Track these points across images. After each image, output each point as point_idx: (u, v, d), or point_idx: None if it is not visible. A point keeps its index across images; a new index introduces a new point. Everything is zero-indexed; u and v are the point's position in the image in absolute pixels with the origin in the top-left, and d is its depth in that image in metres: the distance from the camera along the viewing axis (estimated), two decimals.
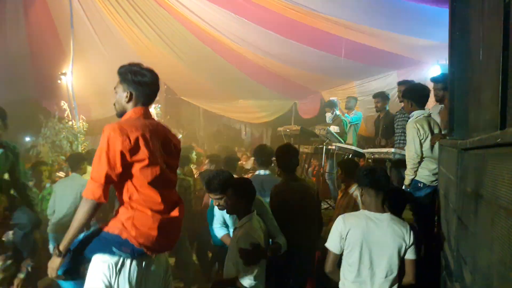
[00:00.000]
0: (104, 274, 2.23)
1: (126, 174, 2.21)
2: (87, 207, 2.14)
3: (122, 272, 2.26)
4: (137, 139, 2.17)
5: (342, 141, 6.04)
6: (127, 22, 8.05)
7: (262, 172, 4.02)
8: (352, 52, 6.85)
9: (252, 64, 8.45)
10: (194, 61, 9.17)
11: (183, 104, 11.67)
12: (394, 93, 6.86)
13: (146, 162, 2.20)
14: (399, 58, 7.00)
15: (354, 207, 4.13)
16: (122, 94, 2.38)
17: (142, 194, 2.24)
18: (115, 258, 2.25)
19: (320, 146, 5.92)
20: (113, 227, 2.25)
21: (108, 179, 2.14)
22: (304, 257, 3.41)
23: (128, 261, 2.27)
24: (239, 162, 6.46)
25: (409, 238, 2.62)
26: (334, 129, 6.10)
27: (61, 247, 2.18)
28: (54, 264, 2.19)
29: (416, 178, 3.98)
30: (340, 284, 2.73)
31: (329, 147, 5.73)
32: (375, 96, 6.22)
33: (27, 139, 10.08)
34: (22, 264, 3.91)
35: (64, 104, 7.53)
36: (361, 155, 5.31)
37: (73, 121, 7.67)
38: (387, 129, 5.86)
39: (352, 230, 2.65)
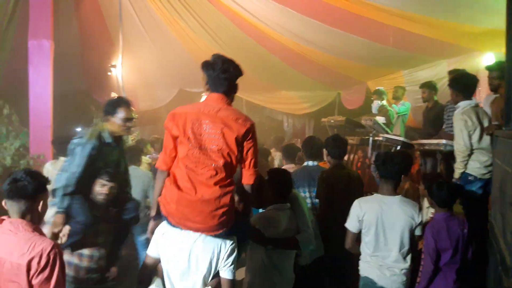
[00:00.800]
0: (155, 236, 2.62)
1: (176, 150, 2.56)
2: (158, 175, 2.66)
3: (164, 237, 2.56)
4: (177, 119, 2.50)
5: (390, 132, 5.93)
6: (172, 15, 8.20)
7: (310, 163, 4.16)
8: (400, 41, 6.67)
9: (296, 54, 8.40)
10: (237, 53, 9.18)
11: None
12: (444, 83, 6.66)
13: (180, 140, 2.49)
14: (449, 47, 6.74)
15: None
16: None
17: (177, 168, 2.52)
18: (163, 224, 2.60)
19: (366, 137, 5.85)
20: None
21: (165, 149, 2.57)
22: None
23: (168, 228, 2.55)
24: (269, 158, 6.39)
25: (417, 217, 3.06)
26: (380, 119, 6.01)
27: (152, 213, 2.73)
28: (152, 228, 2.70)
29: (467, 171, 3.86)
30: (362, 258, 3.16)
31: (376, 138, 5.65)
32: (422, 86, 6.08)
33: (79, 129, 10.51)
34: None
35: (114, 96, 7.78)
36: (410, 146, 5.19)
37: None
38: (436, 120, 5.70)
39: (367, 213, 3.07)
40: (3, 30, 8.35)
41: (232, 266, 2.57)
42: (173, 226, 2.51)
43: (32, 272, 2.08)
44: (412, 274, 3.14)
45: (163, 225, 2.60)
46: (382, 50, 7.07)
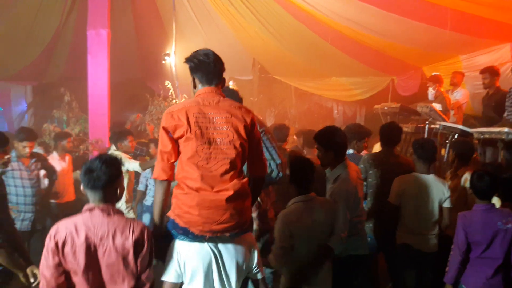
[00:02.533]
0: (171, 259, 2.37)
1: (178, 152, 2.36)
2: (156, 186, 2.41)
3: (184, 256, 2.32)
4: (177, 116, 2.29)
5: (447, 119, 5.69)
6: (224, 3, 8.26)
7: (350, 151, 4.21)
8: (458, 24, 6.33)
9: (348, 39, 8.20)
10: (287, 39, 9.16)
11: (276, 82, 11.73)
12: (506, 68, 6.29)
13: (185, 137, 2.28)
14: None
15: (462, 192, 3.95)
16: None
17: (184, 171, 2.31)
18: (176, 240, 2.36)
19: (422, 125, 5.64)
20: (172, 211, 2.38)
21: (163, 156, 2.33)
22: None
23: (186, 245, 2.32)
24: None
25: (446, 192, 3.63)
26: (436, 106, 5.77)
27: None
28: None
29: None
30: (400, 228, 3.73)
31: (432, 126, 5.44)
32: (483, 71, 5.76)
33: (134, 116, 10.90)
34: None
35: (168, 84, 7.97)
36: (469, 134, 4.95)
37: (176, 100, 8.10)
38: (497, 107, 5.41)
39: (407, 189, 3.64)
40: (64, 22, 8.77)
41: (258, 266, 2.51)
42: (193, 239, 2.30)
43: (138, 252, 2.18)
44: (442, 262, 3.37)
45: (179, 245, 2.35)
46: (439, 34, 6.75)
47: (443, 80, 7.03)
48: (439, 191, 3.63)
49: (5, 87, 10.91)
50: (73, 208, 5.01)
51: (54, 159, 5.59)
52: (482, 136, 4.62)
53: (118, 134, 5.22)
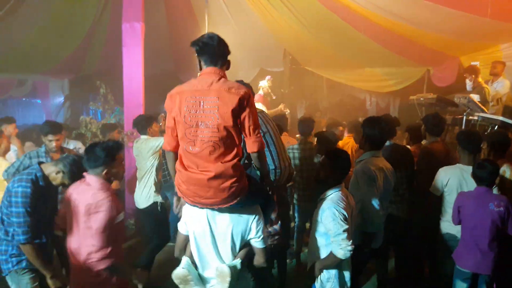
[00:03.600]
0: (183, 214, 2.81)
1: None
2: (166, 156, 2.84)
3: (189, 215, 2.74)
4: (174, 99, 2.55)
5: (486, 110, 5.50)
6: None
7: (387, 143, 4.11)
8: (499, 11, 6.08)
9: (381, 29, 8.01)
10: (319, 30, 9.04)
11: (307, 74, 11.63)
12: None
13: (177, 120, 2.54)
14: None
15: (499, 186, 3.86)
16: None
17: (180, 149, 2.61)
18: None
19: (460, 116, 5.47)
20: None
21: (167, 130, 2.67)
22: None
23: (189, 207, 2.72)
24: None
25: None
26: (475, 97, 5.59)
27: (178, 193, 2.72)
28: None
29: None
30: (443, 218, 3.90)
31: (470, 117, 5.27)
32: None
33: None
34: None
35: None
36: (510, 126, 4.78)
37: None
38: None
39: (451, 179, 3.79)
40: (99, 16, 8.96)
41: (262, 236, 2.69)
42: (191, 205, 2.66)
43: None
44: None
45: (185, 206, 2.78)
46: (478, 22, 6.50)
47: (480, 70, 6.80)
48: None
49: (44, 80, 11.29)
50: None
51: None
52: None
53: (142, 122, 5.17)
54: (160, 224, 4.97)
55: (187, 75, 9.95)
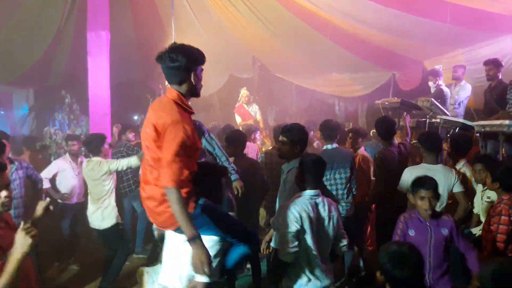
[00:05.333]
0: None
1: None
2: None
3: None
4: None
5: (448, 113, 5.67)
6: (222, 1, 8.25)
7: (329, 146, 4.29)
8: (458, 17, 6.31)
9: (348, 34, 8.18)
10: (287, 36, 9.15)
11: (276, 80, 11.72)
12: (508, 60, 6.26)
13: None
14: None
15: (463, 184, 3.97)
16: None
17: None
18: None
19: (423, 119, 5.63)
20: None
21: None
22: None
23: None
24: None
25: (454, 178, 3.86)
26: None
27: None
28: None
29: None
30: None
31: (433, 120, 5.43)
32: (487, 63, 5.74)
33: (136, 117, 10.92)
34: None
35: (168, 84, 7.95)
36: (470, 128, 4.94)
37: None
38: (499, 99, 5.39)
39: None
40: (63, 25, 8.78)
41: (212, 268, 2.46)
42: None
43: None
44: None
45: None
46: (439, 28, 6.73)
47: (442, 73, 7.02)
48: (447, 178, 3.85)
49: (7, 91, 10.94)
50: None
51: (66, 160, 5.67)
52: (483, 129, 4.61)
53: (95, 141, 4.85)
54: (121, 240, 4.89)
55: (156, 82, 9.84)
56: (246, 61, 10.85)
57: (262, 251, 3.56)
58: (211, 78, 10.72)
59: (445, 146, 5.24)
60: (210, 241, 2.56)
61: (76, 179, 5.64)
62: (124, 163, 4.58)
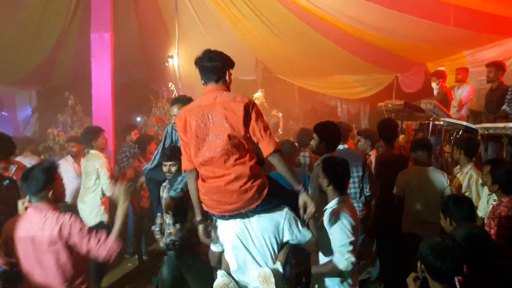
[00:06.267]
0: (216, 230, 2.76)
1: None
2: (187, 176, 2.73)
3: (220, 229, 2.74)
4: (183, 118, 2.60)
5: (451, 115, 5.66)
6: (226, 3, 8.26)
7: (341, 147, 4.35)
8: (461, 19, 6.30)
9: (350, 36, 8.18)
10: (290, 38, 9.16)
11: (279, 82, 11.73)
12: (510, 63, 6.25)
13: (189, 137, 2.59)
14: None
15: (467, 188, 3.98)
16: None
17: (196, 165, 2.62)
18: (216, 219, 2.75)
19: (426, 121, 5.61)
20: None
21: (184, 149, 2.66)
22: None
23: (219, 221, 2.73)
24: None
25: (446, 181, 4.01)
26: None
27: (197, 218, 2.72)
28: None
29: None
30: (405, 216, 4.14)
31: (436, 122, 5.41)
32: (489, 65, 5.75)
33: (138, 119, 10.94)
34: None
35: (171, 85, 7.99)
36: (473, 130, 4.93)
37: None
38: (500, 102, 5.39)
39: (410, 180, 4.09)
40: (67, 26, 8.81)
41: (303, 229, 2.66)
42: (219, 218, 2.68)
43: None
44: None
45: (218, 222, 2.76)
46: (442, 30, 6.73)
47: (446, 75, 7.01)
48: (438, 181, 4.02)
49: (10, 92, 10.97)
50: None
51: (68, 162, 5.68)
52: (486, 132, 4.59)
53: (87, 135, 5.01)
54: None
55: (159, 84, 9.87)
56: (249, 63, 10.87)
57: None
58: None
59: (447, 149, 5.24)
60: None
61: (78, 180, 5.64)
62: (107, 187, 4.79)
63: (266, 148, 2.56)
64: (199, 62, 2.66)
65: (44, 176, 2.66)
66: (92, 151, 4.90)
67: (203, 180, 2.59)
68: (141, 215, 5.80)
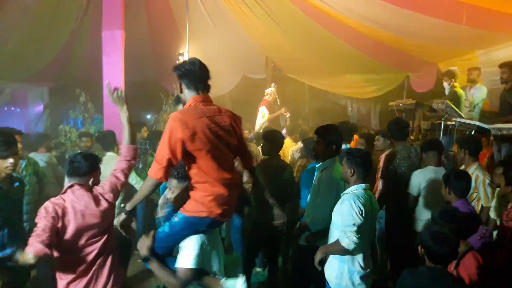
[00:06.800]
0: (195, 249, 2.58)
1: (192, 158, 2.52)
2: (150, 183, 2.55)
3: (204, 245, 2.64)
4: (189, 127, 2.44)
5: (463, 116, 5.60)
6: (236, 1, 8.26)
7: (343, 146, 4.28)
8: (474, 19, 6.23)
9: (361, 35, 8.12)
10: (300, 37, 9.13)
11: (289, 81, 11.68)
12: None
13: (205, 149, 2.49)
14: None
15: (474, 189, 3.94)
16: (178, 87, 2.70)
17: (211, 175, 2.55)
18: (195, 237, 2.61)
19: (438, 121, 5.56)
20: (198, 211, 2.55)
21: (169, 163, 2.47)
22: None
23: (203, 236, 2.65)
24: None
25: None
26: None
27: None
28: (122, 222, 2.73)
29: None
30: (418, 217, 4.17)
31: (448, 122, 5.36)
32: (502, 66, 5.66)
33: (149, 116, 10.99)
34: None
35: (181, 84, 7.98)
36: (486, 131, 4.87)
37: None
38: None
39: (425, 179, 4.12)
40: (79, 24, 8.88)
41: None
42: (211, 227, 2.67)
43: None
44: None
45: (197, 237, 2.61)
46: (455, 29, 6.65)
47: (457, 75, 6.94)
48: None
49: (23, 89, 11.09)
50: None
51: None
52: (499, 133, 4.54)
53: (107, 137, 5.10)
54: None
55: (169, 82, 9.88)
56: (259, 62, 10.85)
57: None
58: (224, 78, 10.75)
59: (454, 148, 5.21)
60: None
61: None
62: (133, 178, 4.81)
63: (249, 162, 2.99)
64: (194, 71, 2.58)
65: (90, 163, 2.88)
66: (109, 154, 4.94)
67: (225, 188, 2.59)
68: (151, 210, 5.81)
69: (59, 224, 2.65)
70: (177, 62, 8.88)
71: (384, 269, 4.88)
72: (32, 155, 5.65)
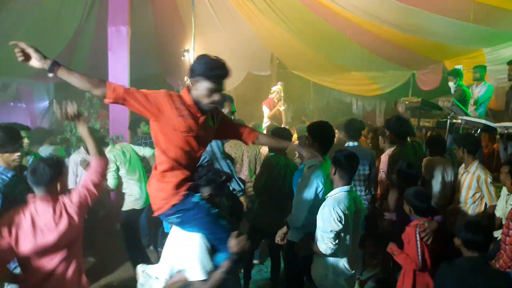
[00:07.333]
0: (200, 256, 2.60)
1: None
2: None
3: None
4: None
5: (470, 114, 5.57)
6: None
7: (351, 144, 4.39)
8: (481, 16, 6.19)
9: (367, 33, 8.09)
10: (306, 34, 9.10)
11: (294, 77, 11.67)
12: None
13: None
14: None
15: (477, 189, 3.93)
16: None
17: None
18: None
19: (444, 119, 5.53)
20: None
21: (120, 90, 2.54)
22: None
23: None
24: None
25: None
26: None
27: None
28: None
29: None
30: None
31: (454, 120, 5.34)
32: (511, 63, 5.63)
33: None
34: None
35: (187, 80, 7.96)
36: (493, 129, 4.84)
37: None
38: None
39: (433, 166, 4.34)
40: (85, 19, 8.89)
41: None
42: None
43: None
44: None
45: (196, 244, 2.59)
46: (461, 27, 6.61)
47: (462, 74, 6.91)
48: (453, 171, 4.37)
49: (28, 84, 11.12)
50: None
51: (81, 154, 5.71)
52: (506, 131, 4.51)
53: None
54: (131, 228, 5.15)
55: (175, 78, 9.90)
56: (264, 58, 10.85)
57: (276, 242, 3.61)
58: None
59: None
60: (195, 237, 2.58)
61: None
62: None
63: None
64: (215, 69, 2.48)
65: (53, 170, 2.69)
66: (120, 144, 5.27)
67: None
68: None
69: (12, 242, 2.56)
70: (182, 58, 8.90)
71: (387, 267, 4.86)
72: (42, 148, 5.70)
